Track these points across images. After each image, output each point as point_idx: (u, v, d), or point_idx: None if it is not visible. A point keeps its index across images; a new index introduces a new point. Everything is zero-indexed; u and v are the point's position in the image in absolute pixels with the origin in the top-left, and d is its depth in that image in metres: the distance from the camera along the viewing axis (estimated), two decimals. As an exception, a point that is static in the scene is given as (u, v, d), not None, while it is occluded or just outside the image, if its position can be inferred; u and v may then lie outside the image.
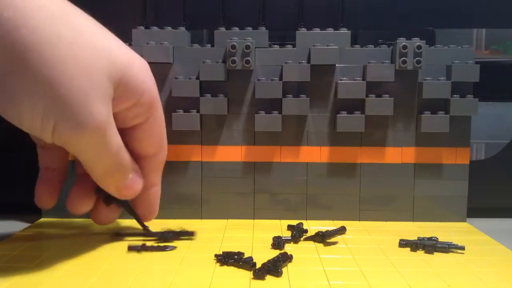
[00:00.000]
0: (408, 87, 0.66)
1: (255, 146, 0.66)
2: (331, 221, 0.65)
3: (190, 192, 0.67)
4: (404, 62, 0.64)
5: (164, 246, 0.54)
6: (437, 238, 0.55)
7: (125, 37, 0.67)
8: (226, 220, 0.67)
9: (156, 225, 0.63)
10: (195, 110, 0.65)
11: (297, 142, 0.66)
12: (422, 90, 0.65)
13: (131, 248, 0.53)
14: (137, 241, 0.56)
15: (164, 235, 0.57)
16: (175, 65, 0.66)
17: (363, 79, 0.65)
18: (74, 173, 0.55)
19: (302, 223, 0.63)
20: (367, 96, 0.64)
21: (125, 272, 0.47)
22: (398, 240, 0.55)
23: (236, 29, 0.66)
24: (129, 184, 0.51)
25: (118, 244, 0.56)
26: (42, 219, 0.66)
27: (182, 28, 0.67)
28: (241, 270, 0.47)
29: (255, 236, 0.59)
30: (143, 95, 0.49)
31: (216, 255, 0.51)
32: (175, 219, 0.67)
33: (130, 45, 0.67)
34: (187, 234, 0.58)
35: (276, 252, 0.52)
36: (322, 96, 0.66)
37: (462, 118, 0.66)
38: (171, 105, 0.66)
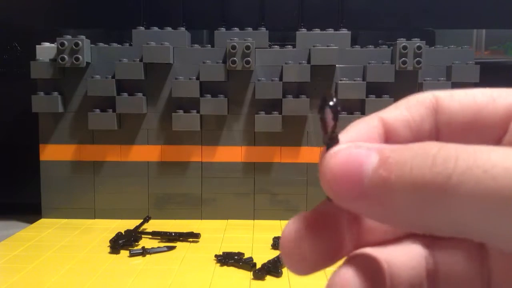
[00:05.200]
0: (408, 88, 0.66)
1: (255, 146, 0.66)
2: (331, 222, 0.65)
3: (190, 192, 0.67)
4: (404, 62, 0.64)
5: (164, 246, 0.54)
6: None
7: (126, 37, 0.68)
8: (226, 220, 0.67)
9: (157, 225, 0.63)
10: (195, 111, 0.65)
11: (297, 142, 0.66)
12: (422, 91, 0.64)
13: (133, 254, 0.52)
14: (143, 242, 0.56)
15: (169, 235, 0.57)
16: (175, 65, 0.66)
17: (363, 79, 0.65)
18: None
19: (302, 224, 0.63)
20: (367, 96, 0.64)
21: (125, 272, 0.47)
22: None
23: (236, 29, 0.66)
24: None
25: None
26: (42, 219, 0.66)
27: (182, 29, 0.67)
28: (241, 270, 0.47)
29: (255, 237, 0.59)
30: None
31: (216, 256, 0.51)
32: (175, 219, 0.67)
33: (130, 45, 0.67)
34: (193, 236, 0.58)
35: (276, 253, 0.52)
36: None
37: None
38: (171, 106, 0.66)
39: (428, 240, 0.16)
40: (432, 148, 0.12)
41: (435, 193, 0.12)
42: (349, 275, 0.14)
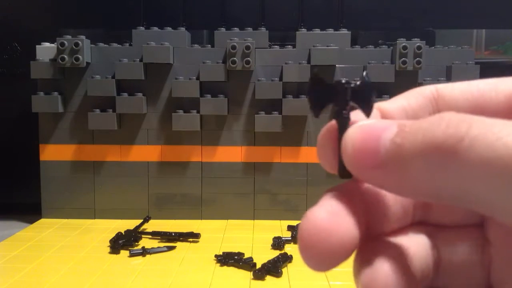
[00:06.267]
0: (408, 88, 0.65)
1: (255, 146, 0.66)
2: (331, 222, 0.65)
3: (190, 192, 0.67)
4: (404, 62, 0.64)
5: (164, 246, 0.54)
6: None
7: (126, 37, 0.68)
8: (226, 220, 0.67)
9: (157, 225, 0.63)
10: (195, 111, 0.65)
11: (297, 142, 0.66)
12: (422, 91, 0.65)
13: (133, 254, 0.52)
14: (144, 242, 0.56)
15: (169, 235, 0.57)
16: (175, 65, 0.66)
17: (363, 79, 0.65)
18: None
19: (302, 224, 0.63)
20: (367, 96, 0.64)
21: (125, 272, 0.47)
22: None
23: (236, 29, 0.66)
24: None
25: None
26: (42, 219, 0.66)
27: (182, 29, 0.67)
28: (241, 270, 0.47)
29: (255, 237, 0.59)
30: None
31: (216, 256, 0.51)
32: (175, 219, 0.67)
33: (130, 45, 0.67)
34: (193, 236, 0.58)
35: (276, 253, 0.52)
36: (322, 96, 0.66)
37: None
38: (171, 106, 0.66)
39: (432, 230, 0.16)
40: (447, 114, 0.12)
41: (446, 155, 0.12)
42: (387, 270, 0.13)
